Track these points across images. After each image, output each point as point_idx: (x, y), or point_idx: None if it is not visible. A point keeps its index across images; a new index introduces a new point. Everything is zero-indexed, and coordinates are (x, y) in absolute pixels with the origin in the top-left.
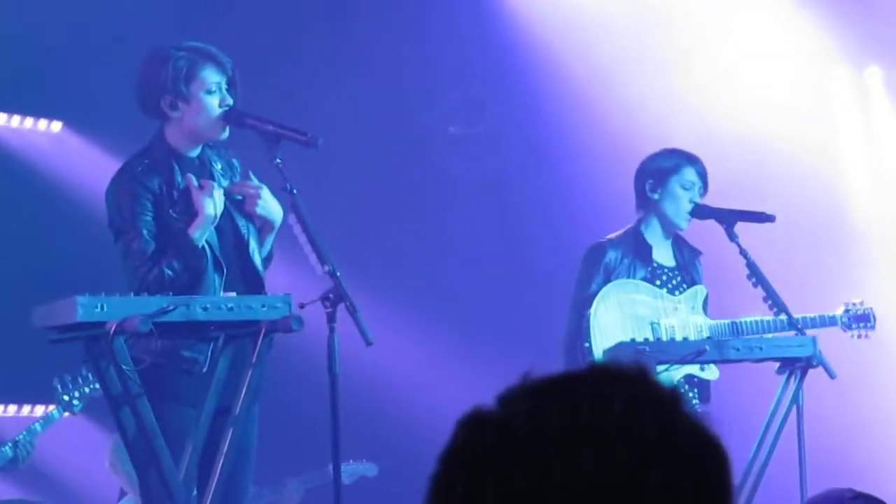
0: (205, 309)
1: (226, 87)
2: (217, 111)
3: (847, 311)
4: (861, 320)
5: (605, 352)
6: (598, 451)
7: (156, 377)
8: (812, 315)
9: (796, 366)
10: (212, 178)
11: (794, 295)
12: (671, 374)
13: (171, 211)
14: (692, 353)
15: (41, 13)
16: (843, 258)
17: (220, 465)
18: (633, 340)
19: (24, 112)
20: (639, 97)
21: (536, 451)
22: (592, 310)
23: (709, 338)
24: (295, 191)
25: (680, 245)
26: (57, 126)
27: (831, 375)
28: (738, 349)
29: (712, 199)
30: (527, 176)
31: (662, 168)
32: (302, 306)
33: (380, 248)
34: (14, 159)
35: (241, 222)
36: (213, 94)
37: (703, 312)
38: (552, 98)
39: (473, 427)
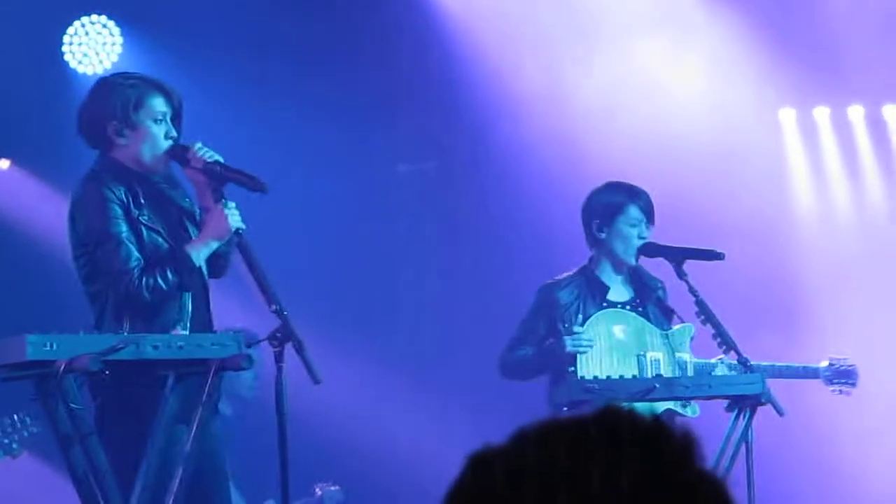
0: (155, 347)
1: (171, 118)
2: (163, 141)
3: (831, 365)
4: (844, 376)
5: (556, 389)
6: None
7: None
8: (795, 365)
9: (745, 403)
10: (159, 193)
11: (740, 332)
12: (655, 408)
13: (139, 218)
14: (642, 390)
15: None
16: (791, 294)
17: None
18: (582, 378)
19: None
20: (594, 125)
21: (544, 494)
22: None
23: (658, 375)
24: (241, 230)
25: (637, 277)
26: (5, 164)
27: (780, 413)
28: (687, 387)
29: (661, 232)
30: (483, 208)
31: (607, 206)
32: (249, 345)
33: (330, 286)
34: None
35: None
36: (159, 123)
37: (688, 350)
38: (504, 123)
39: (482, 465)
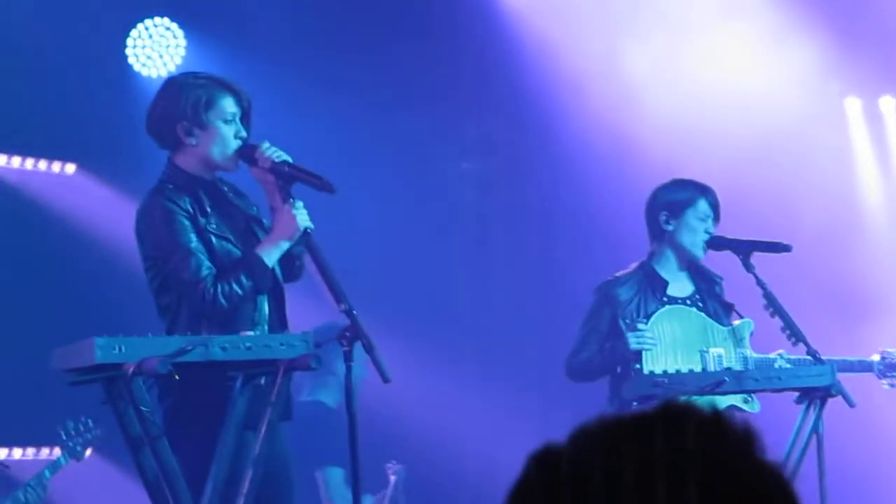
0: (223, 349)
1: (240, 118)
2: (233, 141)
3: (883, 358)
4: (894, 370)
5: (624, 385)
6: (672, 492)
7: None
8: (849, 358)
9: (815, 395)
10: (226, 201)
11: (809, 326)
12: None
13: (207, 228)
14: (711, 384)
15: (52, 56)
16: (857, 288)
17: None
18: (651, 373)
19: (39, 154)
20: (658, 122)
21: (611, 492)
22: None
23: (727, 368)
24: (310, 229)
25: (698, 273)
26: (71, 168)
27: (851, 404)
28: (756, 380)
29: (725, 229)
30: (545, 205)
31: (677, 200)
32: (318, 345)
33: (399, 284)
34: (30, 202)
35: None
36: (229, 123)
37: (748, 345)
38: (567, 122)
39: (547, 463)
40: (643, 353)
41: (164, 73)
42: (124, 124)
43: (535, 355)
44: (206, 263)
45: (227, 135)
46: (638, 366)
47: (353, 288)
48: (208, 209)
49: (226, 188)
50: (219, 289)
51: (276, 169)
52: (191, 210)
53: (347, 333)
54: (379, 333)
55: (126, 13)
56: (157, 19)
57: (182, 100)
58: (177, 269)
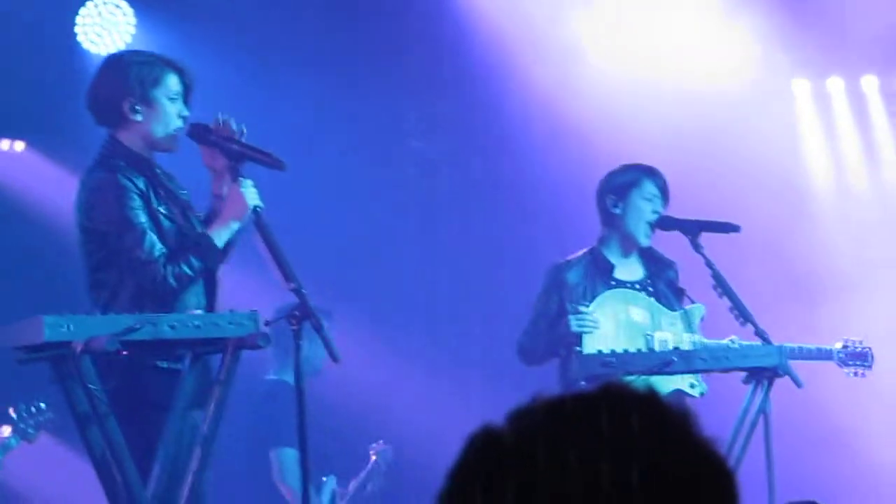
0: (172, 327)
1: (183, 97)
2: (175, 119)
3: (845, 346)
4: (858, 358)
5: (574, 365)
6: (617, 471)
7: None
8: (809, 346)
9: (763, 375)
10: (164, 182)
11: (755, 305)
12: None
13: (158, 209)
14: (659, 363)
15: (1, 33)
16: (807, 269)
17: (190, 481)
18: (599, 353)
19: None
20: (603, 102)
21: (556, 473)
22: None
23: (675, 349)
24: (259, 208)
25: (649, 257)
26: (20, 146)
27: (798, 384)
28: (704, 359)
29: (675, 208)
30: (499, 190)
31: (622, 182)
32: (268, 323)
33: (349, 264)
34: None
35: (200, 228)
36: (174, 101)
37: (698, 331)
38: (510, 101)
39: (488, 444)
40: (584, 336)
41: (112, 51)
42: (73, 102)
43: (480, 334)
44: (159, 244)
45: (171, 112)
46: (578, 349)
47: (301, 267)
48: (160, 190)
49: (159, 170)
50: (169, 269)
51: (225, 147)
52: (143, 189)
53: (296, 312)
54: (333, 313)
55: None
56: None
57: (130, 76)
58: (129, 248)
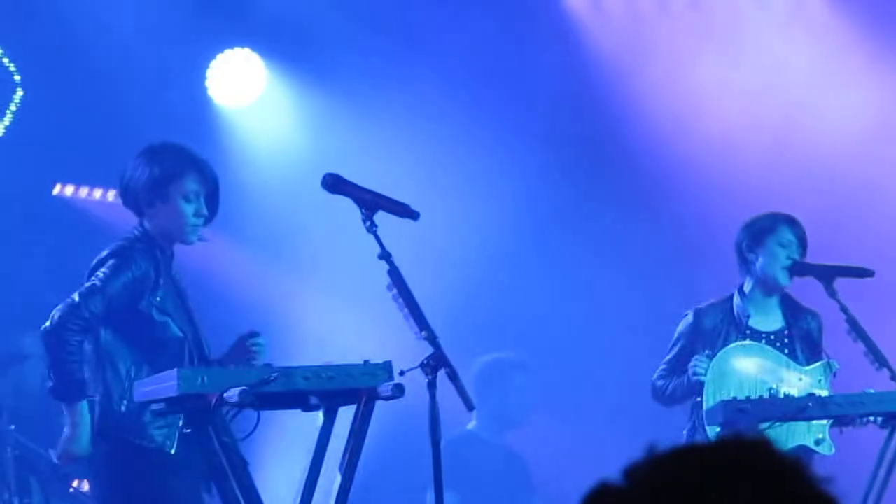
0: (306, 378)
1: (204, 198)
2: (191, 219)
3: None
4: None
5: (707, 410)
6: None
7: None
8: None
9: None
10: (172, 275)
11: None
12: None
13: (153, 301)
14: (794, 409)
15: (134, 88)
16: None
17: None
18: (734, 399)
19: (108, 185)
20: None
21: None
22: (711, 365)
23: (810, 395)
24: (391, 258)
25: (789, 307)
26: None
27: None
28: (840, 405)
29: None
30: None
31: (759, 228)
32: (402, 373)
33: (478, 312)
34: (101, 230)
35: (196, 322)
36: (189, 202)
37: (828, 387)
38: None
39: (602, 499)
40: (706, 387)
41: (243, 104)
42: (205, 154)
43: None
44: (90, 312)
45: (187, 212)
46: (699, 399)
47: (434, 316)
48: (161, 281)
49: (174, 262)
50: (68, 332)
51: (359, 197)
52: (149, 276)
53: (430, 361)
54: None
55: (208, 43)
56: (238, 49)
57: (148, 170)
58: (87, 294)
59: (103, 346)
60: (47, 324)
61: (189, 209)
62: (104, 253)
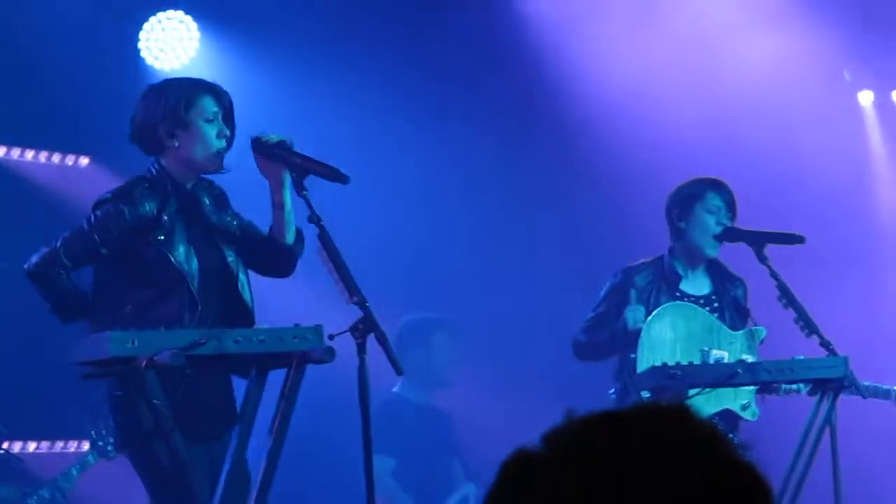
0: (236, 342)
1: (222, 117)
2: (215, 140)
3: None
4: None
5: (638, 374)
6: (645, 490)
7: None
8: (867, 384)
9: (828, 387)
10: (200, 213)
11: (819, 317)
12: (708, 411)
13: (155, 236)
14: (724, 375)
15: (64, 50)
16: (868, 278)
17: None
18: (664, 364)
19: (53, 148)
20: (666, 122)
21: (584, 494)
22: (645, 324)
23: (740, 360)
24: (322, 221)
25: (717, 272)
26: (84, 161)
27: (863, 395)
28: (769, 371)
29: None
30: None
31: (686, 195)
32: (331, 337)
33: (410, 275)
34: (44, 194)
35: (231, 256)
36: (211, 123)
37: (756, 353)
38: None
39: (521, 469)
40: (640, 344)
41: (177, 66)
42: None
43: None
44: (65, 261)
45: (210, 134)
46: (633, 356)
47: (362, 281)
48: (163, 219)
49: (206, 198)
50: (38, 277)
51: (288, 160)
52: (150, 215)
53: (360, 326)
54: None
55: (140, 6)
56: (171, 12)
57: (162, 102)
58: (72, 238)
59: (95, 282)
60: (26, 265)
61: (212, 131)
62: (106, 193)
